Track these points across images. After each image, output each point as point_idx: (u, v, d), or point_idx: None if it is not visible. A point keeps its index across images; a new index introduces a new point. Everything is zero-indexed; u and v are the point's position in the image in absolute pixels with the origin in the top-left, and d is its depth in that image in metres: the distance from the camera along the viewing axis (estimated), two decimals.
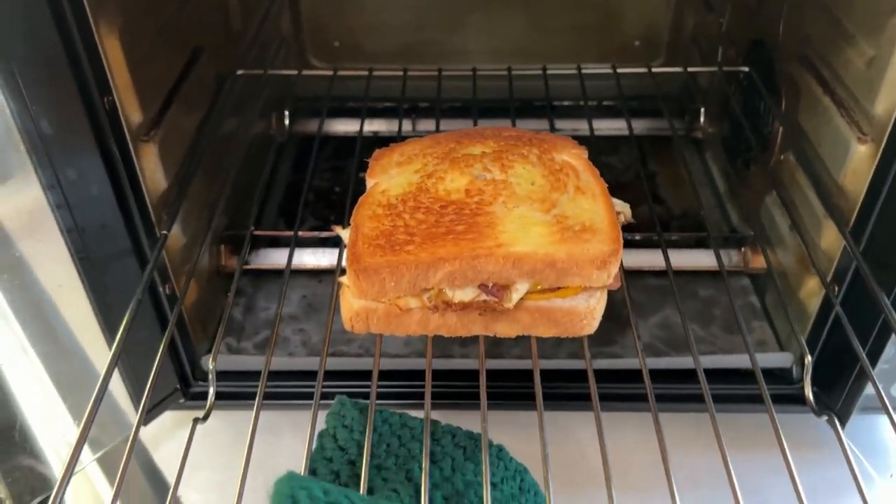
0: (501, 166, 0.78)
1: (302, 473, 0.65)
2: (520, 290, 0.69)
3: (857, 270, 0.77)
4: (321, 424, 0.73)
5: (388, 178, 0.78)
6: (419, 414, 0.72)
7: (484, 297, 0.69)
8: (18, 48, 0.59)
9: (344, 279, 0.71)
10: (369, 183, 0.79)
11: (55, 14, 0.60)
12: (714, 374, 0.90)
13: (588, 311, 0.70)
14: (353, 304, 0.71)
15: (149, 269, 0.72)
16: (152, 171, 0.76)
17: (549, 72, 1.18)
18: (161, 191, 0.79)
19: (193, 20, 0.91)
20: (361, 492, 0.63)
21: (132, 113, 0.72)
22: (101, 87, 0.66)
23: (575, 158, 0.80)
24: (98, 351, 0.83)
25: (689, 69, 1.22)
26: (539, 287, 0.70)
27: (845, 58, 0.79)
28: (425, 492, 0.62)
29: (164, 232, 0.77)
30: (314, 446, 0.73)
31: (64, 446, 0.89)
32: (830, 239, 0.81)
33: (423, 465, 0.64)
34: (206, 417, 0.75)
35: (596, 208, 0.72)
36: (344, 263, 0.70)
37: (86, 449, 0.87)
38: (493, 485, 0.70)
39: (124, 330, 0.67)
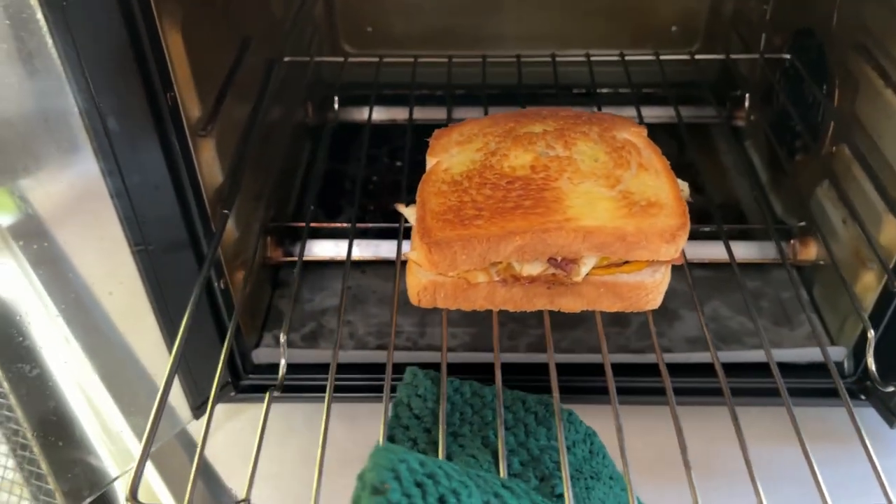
0: (564, 143, 0.79)
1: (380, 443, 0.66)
2: (588, 263, 0.71)
3: None
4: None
5: (449, 157, 0.80)
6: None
7: (552, 270, 0.71)
8: (88, 48, 0.58)
9: (412, 254, 0.72)
10: (430, 162, 0.80)
11: (123, 11, 0.59)
12: (766, 367, 0.90)
13: (654, 286, 0.72)
14: (420, 278, 0.73)
15: (206, 265, 0.72)
16: (209, 166, 0.75)
17: (592, 58, 1.16)
18: (217, 185, 0.78)
19: (242, 9, 0.90)
20: (440, 457, 0.64)
21: (192, 107, 0.71)
22: (164, 83, 0.65)
23: (635, 136, 0.82)
24: (145, 340, 0.82)
25: (732, 56, 1.21)
26: (606, 262, 0.71)
27: None
28: (503, 458, 0.63)
29: (220, 227, 0.77)
30: (389, 415, 0.74)
31: (113, 437, 0.89)
32: (891, 234, 0.80)
33: (499, 433, 0.65)
34: (280, 388, 0.76)
35: (660, 184, 0.74)
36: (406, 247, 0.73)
37: (136, 442, 0.87)
38: (567, 448, 0.70)
39: (183, 332, 0.66)
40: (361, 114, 1.28)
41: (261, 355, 0.90)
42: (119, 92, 0.62)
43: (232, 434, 0.91)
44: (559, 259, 0.70)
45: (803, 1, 1.05)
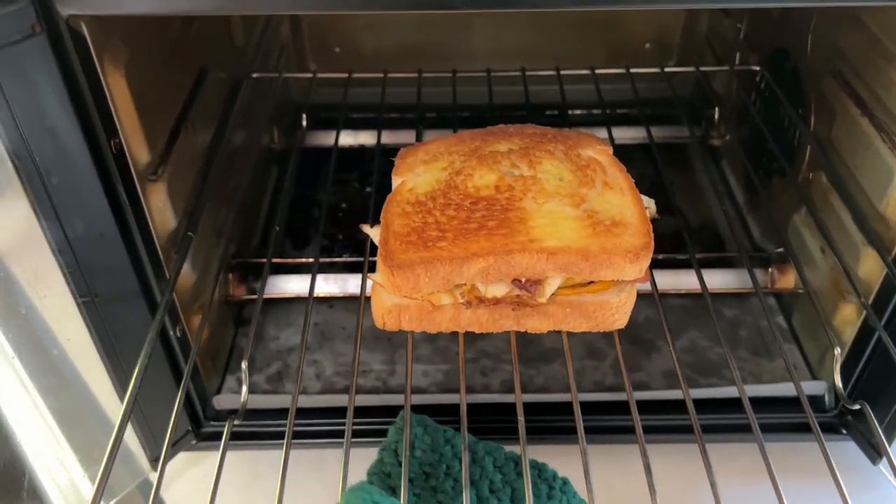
0: (529, 162, 0.79)
1: None
2: (553, 284, 0.70)
3: None
4: (361, 455, 0.72)
5: (414, 177, 0.79)
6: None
7: (517, 291, 0.70)
8: (20, 99, 0.55)
9: (376, 277, 0.71)
10: (395, 181, 0.79)
11: (59, 57, 0.56)
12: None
13: (619, 305, 0.72)
14: (385, 301, 0.72)
15: (159, 316, 0.68)
16: (161, 211, 0.72)
17: (562, 73, 1.14)
18: (170, 229, 0.74)
19: (198, 39, 0.86)
20: None
21: (140, 152, 0.67)
22: (108, 130, 0.61)
23: (600, 154, 0.81)
24: (102, 390, 0.79)
25: (702, 68, 1.19)
26: (571, 282, 0.71)
27: (887, 79, 0.75)
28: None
29: (174, 274, 0.73)
30: (374, 459, 0.72)
31: (69, 489, 0.86)
32: (870, 266, 0.78)
33: (464, 478, 0.63)
34: (241, 415, 0.74)
35: (625, 203, 0.73)
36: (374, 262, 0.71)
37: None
38: None
39: (134, 387, 0.63)
40: (330, 137, 1.24)
41: (223, 401, 0.87)
42: (57, 142, 0.58)
43: (194, 482, 0.87)
44: (524, 280, 0.70)
45: (776, 21, 1.03)
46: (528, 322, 0.73)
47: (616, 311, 0.72)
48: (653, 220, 0.76)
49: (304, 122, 1.15)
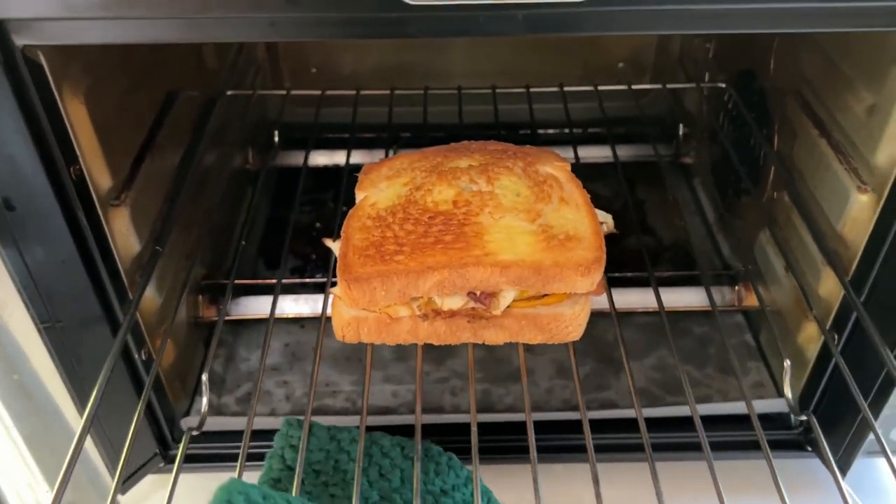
0: (487, 178, 0.81)
1: None
2: (507, 297, 0.72)
3: (858, 320, 0.75)
4: None
5: (377, 192, 0.81)
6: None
7: (472, 304, 0.72)
8: None
9: (336, 290, 0.73)
10: (359, 196, 0.82)
11: (15, 86, 0.56)
12: (712, 420, 0.88)
13: (573, 317, 0.74)
14: (344, 314, 0.74)
15: (119, 341, 0.68)
16: (124, 236, 0.72)
17: (532, 90, 1.16)
18: (134, 253, 0.75)
19: (166, 63, 0.87)
20: None
21: (102, 178, 0.68)
22: (67, 158, 0.62)
23: (558, 171, 0.84)
24: (73, 411, 0.79)
25: (669, 86, 1.21)
26: (526, 295, 0.73)
27: (843, 102, 0.76)
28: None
29: (136, 297, 0.73)
30: (263, 468, 0.73)
31: None
32: (829, 286, 0.79)
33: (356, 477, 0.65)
34: (199, 428, 0.78)
35: (580, 218, 0.76)
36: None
37: None
38: (444, 492, 0.72)
39: (92, 407, 0.63)
40: (309, 158, 1.25)
41: (191, 423, 0.86)
42: (15, 169, 0.59)
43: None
44: (478, 293, 0.72)
45: (743, 42, 1.04)
46: (484, 334, 0.75)
47: (570, 324, 0.74)
48: (612, 235, 0.80)
49: (277, 141, 1.16)
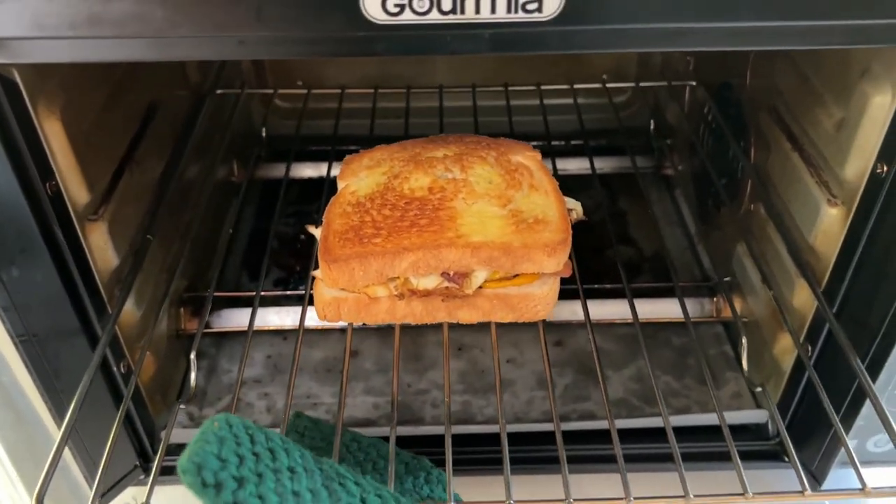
0: (462, 167, 0.86)
1: None
2: (479, 277, 0.77)
3: (831, 331, 0.76)
4: None
5: (357, 181, 0.86)
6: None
7: (446, 284, 0.77)
8: None
9: (317, 272, 0.78)
10: (340, 185, 0.86)
11: None
12: (690, 431, 0.89)
13: (542, 297, 0.78)
14: (324, 294, 0.78)
15: (97, 355, 0.69)
16: (102, 250, 0.73)
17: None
18: (112, 267, 0.75)
19: (147, 79, 0.87)
20: None
21: (79, 193, 0.68)
22: (43, 174, 0.62)
23: (529, 160, 0.89)
24: (50, 426, 0.80)
25: (642, 84, 1.23)
26: (497, 276, 0.78)
27: (814, 116, 0.77)
28: None
29: (115, 312, 0.74)
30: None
31: None
32: (803, 298, 0.80)
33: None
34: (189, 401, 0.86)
35: (548, 203, 0.81)
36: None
37: None
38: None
39: (69, 422, 0.64)
40: (292, 169, 1.26)
41: (171, 435, 0.87)
42: None
43: None
44: (452, 273, 0.76)
45: (720, 55, 1.05)
46: (458, 314, 0.79)
47: (539, 303, 0.79)
48: (581, 223, 0.86)
49: (261, 153, 1.17)
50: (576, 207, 0.85)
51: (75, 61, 0.51)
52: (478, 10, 0.50)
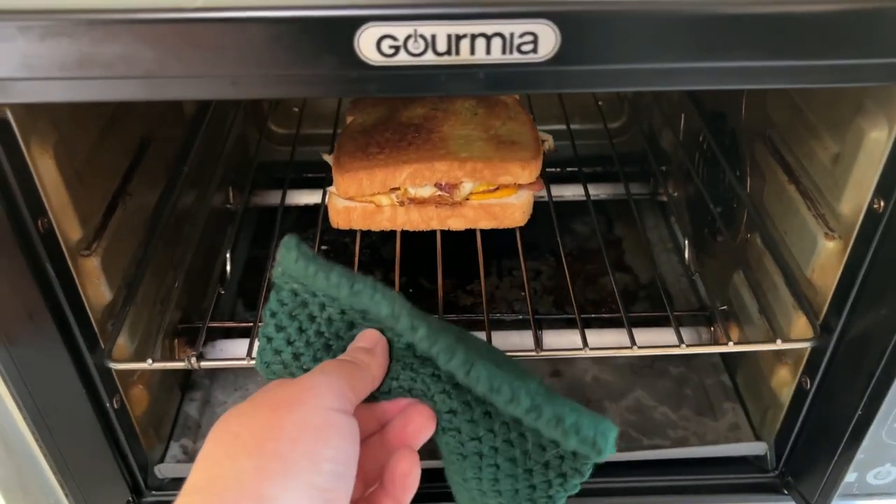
0: (451, 101, 1.02)
1: None
2: (466, 187, 0.91)
3: (830, 364, 0.75)
4: None
5: (363, 115, 1.01)
6: None
7: (439, 193, 0.91)
8: None
9: (331, 188, 0.93)
10: (349, 119, 1.01)
11: None
12: (689, 463, 0.88)
13: (519, 206, 0.94)
14: (337, 204, 0.93)
15: (89, 391, 0.68)
16: (95, 286, 0.72)
17: None
18: (105, 302, 0.75)
19: (141, 114, 0.87)
20: None
21: (71, 229, 0.68)
22: (34, 211, 0.62)
23: (509, 100, 1.05)
24: (42, 464, 0.79)
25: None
26: (481, 189, 0.92)
27: (809, 149, 0.77)
28: None
29: (108, 346, 0.73)
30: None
31: None
32: (801, 329, 0.79)
33: None
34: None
35: (523, 131, 0.97)
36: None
37: None
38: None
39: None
40: (288, 196, 1.26)
41: (165, 470, 0.86)
42: None
43: None
44: (443, 184, 0.90)
45: None
46: (449, 222, 0.94)
47: (516, 211, 0.94)
48: (550, 153, 1.00)
49: (252, 181, 1.17)
50: (548, 139, 1.00)
51: (69, 101, 0.51)
52: (472, 52, 0.49)
